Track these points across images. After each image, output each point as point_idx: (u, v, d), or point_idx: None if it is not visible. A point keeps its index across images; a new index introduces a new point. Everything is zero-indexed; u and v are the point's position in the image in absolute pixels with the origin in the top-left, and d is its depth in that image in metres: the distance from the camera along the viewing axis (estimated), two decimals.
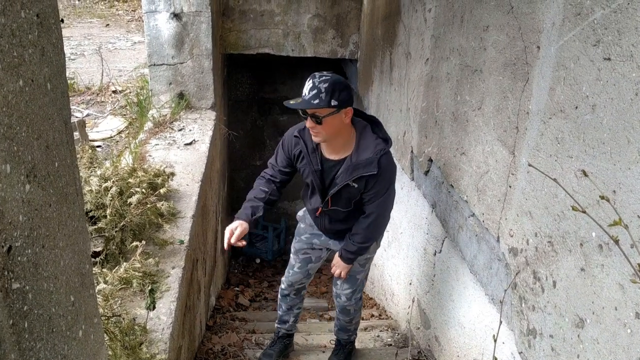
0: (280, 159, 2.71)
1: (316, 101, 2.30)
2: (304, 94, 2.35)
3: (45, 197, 0.86)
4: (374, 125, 2.56)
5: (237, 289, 5.72)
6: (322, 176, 2.61)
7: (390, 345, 3.67)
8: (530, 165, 1.64)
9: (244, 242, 2.55)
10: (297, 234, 3.02)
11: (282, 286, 3.17)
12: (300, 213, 3.02)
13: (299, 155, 2.63)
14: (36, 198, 0.83)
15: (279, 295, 3.24)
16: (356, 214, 2.69)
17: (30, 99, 0.81)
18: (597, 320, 1.52)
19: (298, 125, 2.65)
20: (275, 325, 3.35)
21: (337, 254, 2.83)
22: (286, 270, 3.12)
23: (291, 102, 2.38)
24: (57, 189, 0.92)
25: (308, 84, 2.35)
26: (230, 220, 2.62)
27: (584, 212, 1.10)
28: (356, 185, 2.51)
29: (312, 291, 5.85)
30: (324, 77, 2.34)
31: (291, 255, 3.07)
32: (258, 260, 7.20)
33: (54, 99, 0.91)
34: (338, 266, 2.83)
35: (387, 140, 2.52)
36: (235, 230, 2.52)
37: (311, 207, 2.79)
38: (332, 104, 2.32)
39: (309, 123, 2.39)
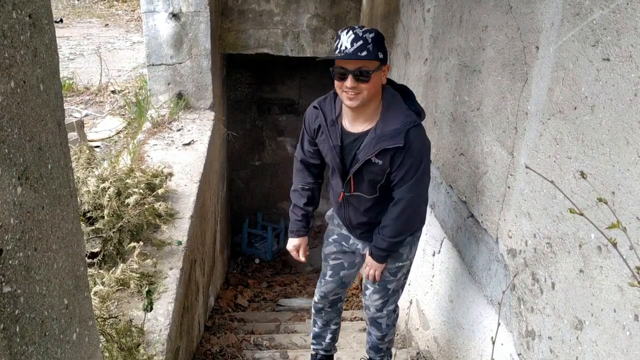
0: (306, 140, 2.44)
1: (364, 53, 2.03)
2: (344, 47, 2.05)
3: (38, 199, 0.85)
4: (405, 95, 2.27)
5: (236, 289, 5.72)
6: (342, 154, 2.29)
7: None
8: (527, 167, 1.64)
9: (307, 253, 2.66)
10: (325, 237, 2.73)
11: (315, 299, 2.84)
12: (329, 212, 2.73)
13: (319, 130, 2.35)
14: (28, 200, 0.82)
15: (312, 310, 2.93)
16: (384, 205, 2.36)
17: (22, 100, 0.81)
18: (595, 322, 1.51)
19: (318, 98, 2.38)
20: (311, 345, 3.03)
21: (367, 253, 2.51)
22: (318, 281, 2.82)
23: (335, 53, 2.08)
24: (50, 191, 0.91)
25: (348, 36, 2.05)
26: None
27: (582, 214, 1.09)
28: (380, 162, 2.18)
29: (311, 292, 5.84)
30: (366, 28, 2.08)
31: (322, 262, 2.77)
32: (257, 261, 7.19)
33: (47, 100, 0.90)
34: (371, 265, 2.49)
35: (419, 113, 2.23)
36: (299, 250, 2.61)
37: (334, 194, 2.50)
38: (380, 56, 2.08)
39: (350, 82, 2.07)
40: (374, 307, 2.65)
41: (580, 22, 1.54)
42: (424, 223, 2.50)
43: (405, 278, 2.64)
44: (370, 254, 2.46)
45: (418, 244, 2.58)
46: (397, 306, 2.72)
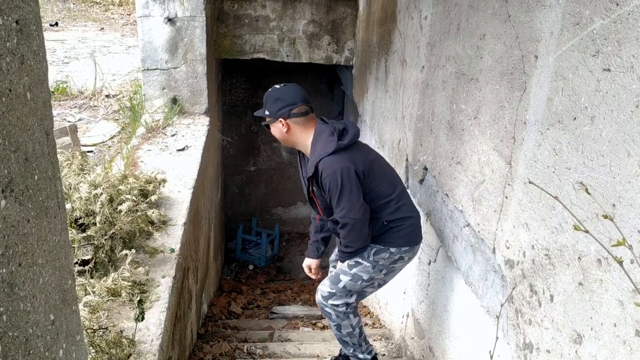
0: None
1: (262, 109, 2.66)
2: None
3: (23, 212, 0.82)
4: (342, 129, 2.60)
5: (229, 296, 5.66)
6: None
7: (384, 355, 3.63)
8: (530, 182, 1.61)
9: (320, 274, 3.09)
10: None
11: None
12: None
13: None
14: (12, 214, 0.78)
15: None
16: None
17: (8, 109, 0.77)
18: (595, 337, 1.48)
19: None
20: None
21: None
22: None
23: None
24: (37, 203, 0.87)
25: None
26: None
27: (587, 231, 1.07)
28: (315, 189, 2.61)
29: (306, 299, 5.81)
30: (270, 89, 2.67)
31: None
32: (251, 267, 7.15)
33: (34, 109, 0.87)
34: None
35: (339, 140, 2.51)
36: (312, 269, 3.03)
37: None
38: (266, 113, 2.63)
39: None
40: (320, 293, 2.80)
41: (581, 31, 1.53)
42: (396, 243, 2.67)
43: (364, 286, 2.75)
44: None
45: (391, 259, 2.70)
46: (347, 309, 2.77)
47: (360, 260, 2.68)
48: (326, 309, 2.79)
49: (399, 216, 2.65)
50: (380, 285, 2.82)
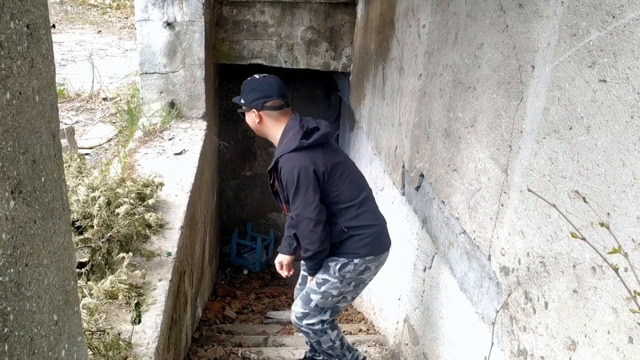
0: None
1: (239, 96, 2.69)
2: None
3: (31, 213, 0.83)
4: (312, 127, 2.61)
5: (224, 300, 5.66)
6: None
7: None
8: (529, 190, 1.63)
9: (292, 271, 3.02)
10: None
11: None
12: None
13: None
14: (21, 215, 0.80)
15: None
16: None
17: (18, 112, 0.79)
18: (589, 344, 1.50)
19: None
20: None
21: None
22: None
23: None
24: (43, 204, 0.89)
25: None
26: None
27: (583, 239, 1.09)
28: (278, 183, 2.62)
29: None
30: (249, 78, 2.69)
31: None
32: (246, 272, 7.14)
33: (42, 112, 0.88)
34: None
35: (302, 139, 2.52)
36: (283, 265, 2.95)
37: None
38: (241, 101, 2.67)
39: None
40: (294, 314, 2.84)
41: (577, 43, 1.55)
42: (359, 253, 2.67)
43: (336, 302, 2.76)
44: None
45: (357, 271, 2.70)
46: (323, 326, 2.79)
47: (327, 277, 2.69)
48: (302, 328, 2.83)
49: (360, 224, 2.65)
50: (353, 298, 2.85)
